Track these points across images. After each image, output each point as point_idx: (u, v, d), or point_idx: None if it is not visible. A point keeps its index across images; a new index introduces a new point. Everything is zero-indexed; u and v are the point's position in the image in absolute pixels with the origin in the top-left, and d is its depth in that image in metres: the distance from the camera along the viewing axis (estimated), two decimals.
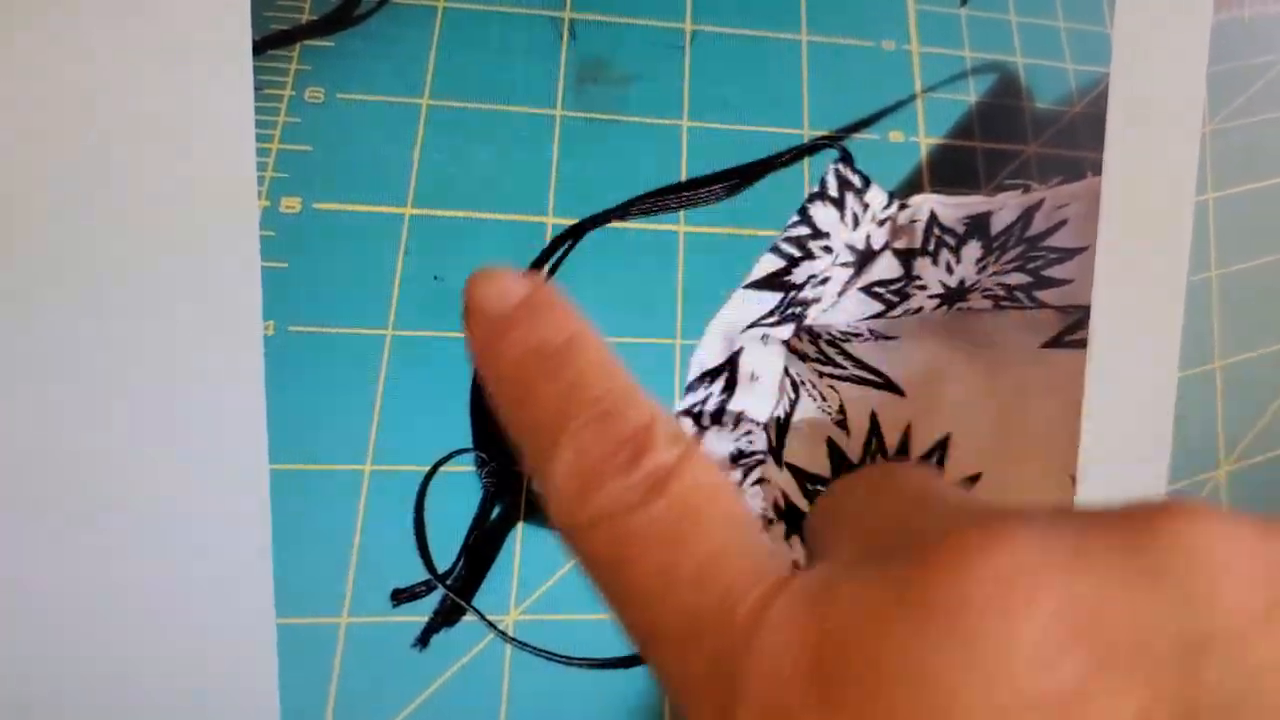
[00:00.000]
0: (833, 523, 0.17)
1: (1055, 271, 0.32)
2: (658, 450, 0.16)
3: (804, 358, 0.32)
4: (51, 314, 0.25)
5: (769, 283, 0.31)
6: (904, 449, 0.32)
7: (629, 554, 0.16)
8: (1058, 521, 0.13)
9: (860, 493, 0.18)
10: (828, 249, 0.31)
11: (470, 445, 0.28)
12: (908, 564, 0.13)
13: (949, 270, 0.33)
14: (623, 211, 0.30)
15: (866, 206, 0.32)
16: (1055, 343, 0.33)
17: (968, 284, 0.33)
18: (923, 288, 0.33)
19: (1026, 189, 0.33)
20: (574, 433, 0.17)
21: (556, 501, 0.17)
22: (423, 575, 0.28)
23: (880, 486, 0.17)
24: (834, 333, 0.33)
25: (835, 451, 0.32)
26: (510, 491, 0.28)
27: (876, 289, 0.33)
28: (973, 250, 0.32)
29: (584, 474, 0.16)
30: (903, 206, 0.32)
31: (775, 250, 0.31)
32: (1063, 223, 0.32)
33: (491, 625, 0.28)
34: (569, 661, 0.28)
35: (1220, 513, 0.12)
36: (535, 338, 0.19)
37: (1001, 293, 0.33)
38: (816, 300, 0.32)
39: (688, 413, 0.30)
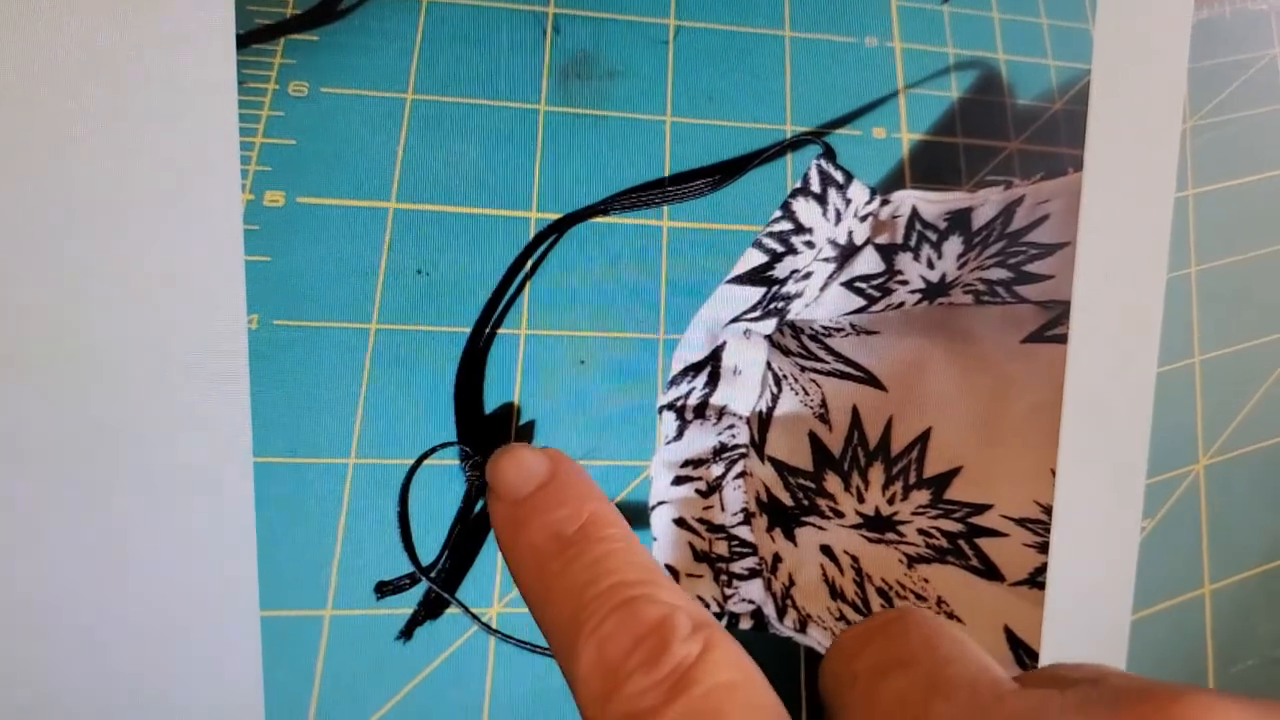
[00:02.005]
0: (847, 692, 0.17)
1: (1036, 267, 0.33)
2: (679, 643, 0.16)
3: (786, 352, 0.33)
4: (34, 308, 0.25)
5: (752, 278, 0.31)
6: (885, 442, 0.33)
7: None
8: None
9: (871, 658, 0.17)
10: (810, 244, 0.31)
11: (454, 439, 0.28)
12: None
13: (930, 265, 0.33)
14: (607, 206, 0.30)
15: (849, 202, 0.32)
16: (1036, 337, 0.33)
17: (949, 279, 0.33)
18: (904, 283, 0.33)
19: (1008, 185, 0.33)
20: (595, 627, 0.17)
21: (582, 697, 0.17)
22: (407, 568, 0.28)
23: (891, 654, 0.17)
24: (816, 327, 0.33)
25: (817, 445, 0.32)
26: None
27: (858, 284, 0.33)
28: (954, 246, 0.33)
29: (607, 671, 0.17)
30: (885, 202, 0.32)
31: (758, 245, 0.31)
32: (1044, 218, 0.32)
33: (475, 618, 0.28)
34: (551, 653, 0.28)
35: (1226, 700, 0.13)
36: (554, 523, 0.19)
37: (982, 288, 0.33)
38: (799, 295, 0.32)
39: (671, 406, 0.30)
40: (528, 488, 0.21)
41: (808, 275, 0.32)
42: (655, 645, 0.17)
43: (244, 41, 0.28)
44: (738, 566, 0.30)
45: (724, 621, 0.30)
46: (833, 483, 0.32)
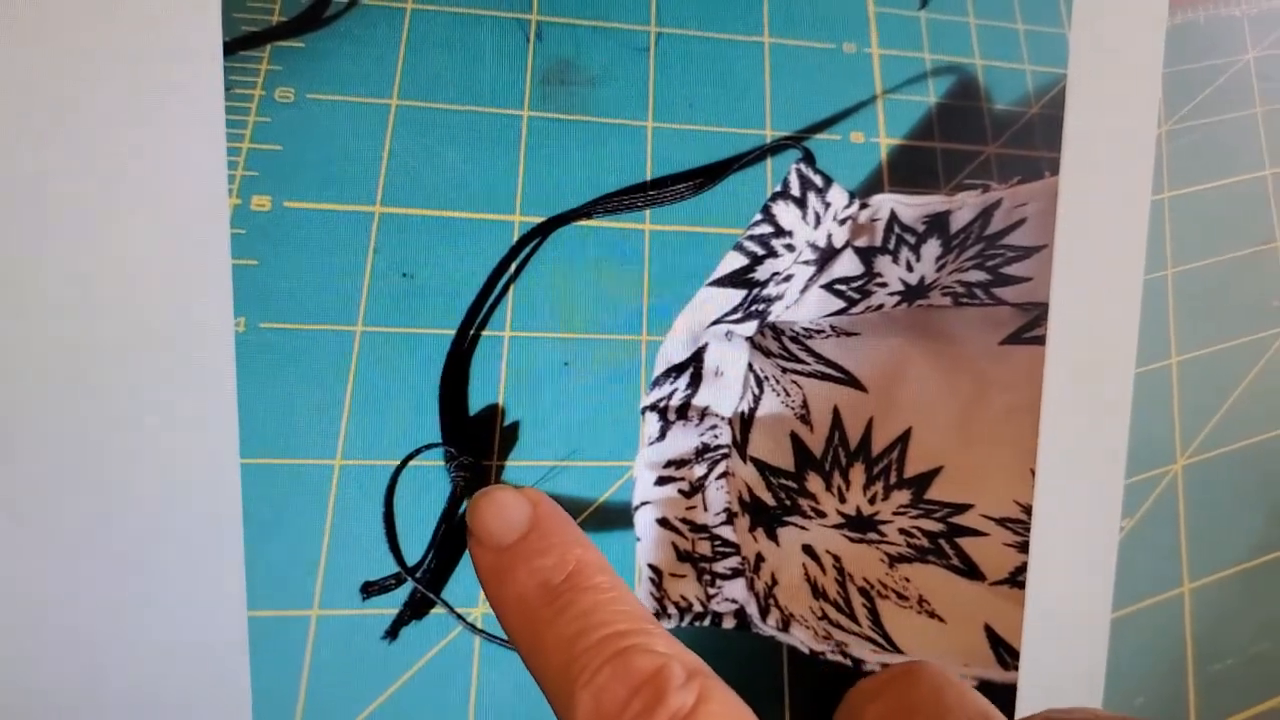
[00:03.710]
0: None
1: (1014, 269, 0.33)
2: (674, 693, 0.17)
3: (768, 353, 0.33)
4: (21, 311, 0.25)
5: (733, 280, 0.31)
6: (866, 443, 0.33)
7: None
8: None
9: (882, 706, 0.18)
10: (790, 247, 0.32)
11: (439, 440, 0.29)
12: None
13: (909, 268, 0.33)
14: (590, 210, 0.30)
15: (828, 205, 0.32)
16: (1014, 339, 0.33)
17: (928, 281, 0.33)
18: (883, 285, 0.33)
19: (985, 188, 0.33)
20: (590, 679, 0.17)
21: None
22: (392, 568, 0.28)
23: (900, 702, 0.18)
24: (797, 329, 0.33)
25: (798, 445, 0.33)
26: (478, 485, 0.29)
27: (838, 286, 0.33)
28: (932, 248, 0.33)
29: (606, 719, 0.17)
30: (863, 205, 0.33)
31: (739, 248, 0.31)
32: (1021, 221, 0.33)
33: (460, 618, 0.28)
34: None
35: None
36: (541, 571, 0.20)
37: (961, 290, 0.33)
38: (780, 297, 0.32)
39: (653, 407, 0.30)
40: (511, 536, 0.20)
41: (788, 278, 0.32)
42: (651, 696, 0.17)
43: (231, 48, 0.28)
44: (721, 566, 0.31)
45: (707, 621, 0.30)
46: (814, 483, 0.32)
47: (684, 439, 0.31)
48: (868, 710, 0.18)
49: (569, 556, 0.20)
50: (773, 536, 0.31)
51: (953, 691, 0.17)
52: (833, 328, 0.34)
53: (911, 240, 0.33)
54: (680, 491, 0.31)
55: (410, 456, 0.28)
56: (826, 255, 0.32)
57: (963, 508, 0.33)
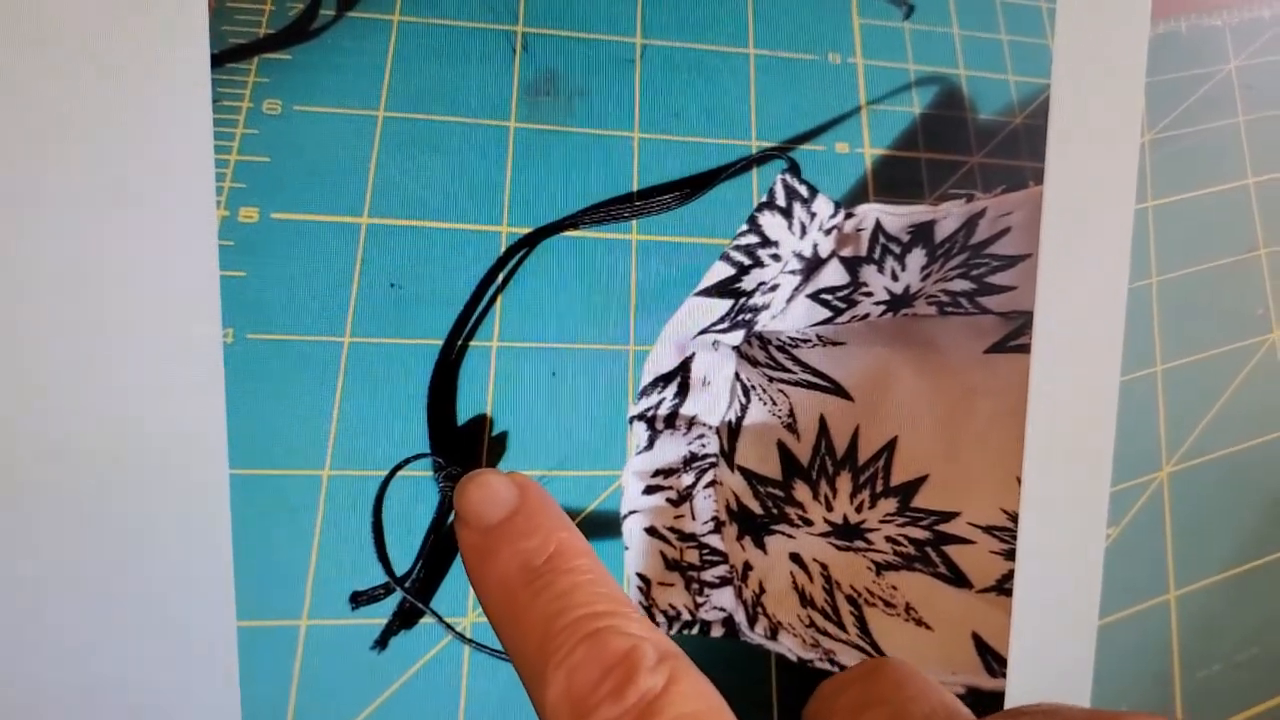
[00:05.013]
0: None
1: (998, 278, 0.33)
2: (645, 674, 0.17)
3: (754, 363, 0.33)
4: (8, 323, 0.25)
5: (719, 290, 0.31)
6: (852, 451, 0.33)
7: None
8: None
9: (848, 700, 0.18)
10: (776, 257, 0.32)
11: (427, 450, 0.29)
12: None
13: (894, 277, 0.33)
14: (577, 220, 0.31)
15: (814, 215, 0.32)
16: (999, 348, 0.34)
17: (913, 291, 0.33)
18: (869, 294, 0.33)
19: (970, 198, 0.33)
20: (564, 658, 0.17)
21: None
22: (381, 578, 0.28)
23: (865, 695, 0.18)
24: (783, 338, 0.33)
25: (786, 454, 0.33)
26: None
27: (824, 296, 0.33)
28: (917, 258, 0.33)
29: (575, 701, 0.17)
30: (849, 215, 0.33)
31: (725, 258, 0.31)
32: (1005, 231, 0.33)
33: (449, 627, 0.28)
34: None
35: None
36: (524, 553, 0.20)
37: (946, 299, 0.33)
38: (766, 307, 0.32)
39: (641, 417, 0.31)
40: (496, 516, 0.21)
41: (774, 287, 0.32)
42: (622, 676, 0.17)
43: (218, 60, 0.28)
44: (709, 575, 0.31)
45: (695, 629, 0.30)
46: (801, 491, 0.32)
47: (672, 448, 0.31)
48: (838, 701, 0.18)
49: (551, 539, 0.20)
50: (760, 545, 0.32)
51: (916, 684, 0.18)
52: (819, 337, 0.34)
53: (896, 250, 0.33)
54: (668, 500, 0.31)
55: (399, 467, 0.28)
56: (812, 265, 0.33)
57: (949, 515, 0.33)
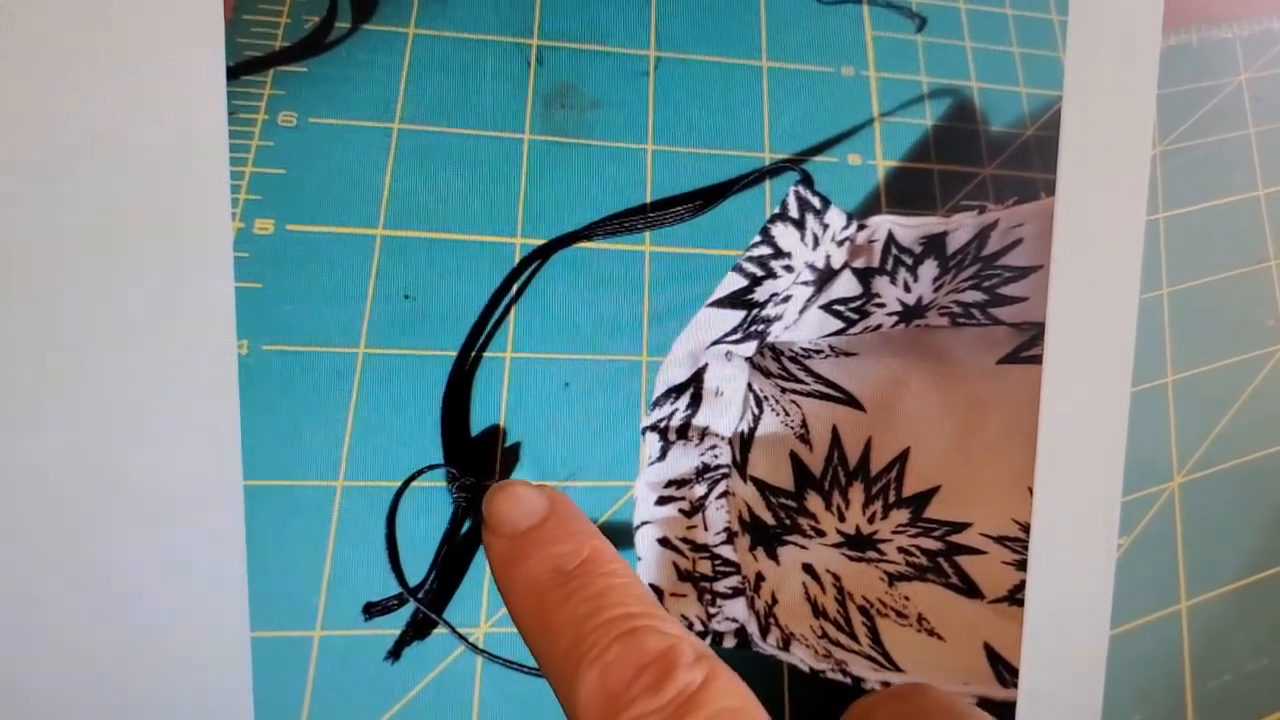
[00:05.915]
0: None
1: (1010, 289, 0.33)
2: (683, 671, 0.17)
3: (767, 374, 0.33)
4: (22, 337, 0.25)
5: (732, 301, 0.31)
6: (865, 462, 0.33)
7: None
8: None
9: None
10: (789, 268, 0.32)
11: (441, 461, 0.29)
12: None
13: (906, 289, 0.33)
14: (590, 232, 0.31)
15: (826, 227, 0.32)
16: (1011, 358, 0.34)
17: (925, 302, 0.33)
18: (881, 305, 0.33)
19: (982, 210, 0.33)
20: (598, 655, 0.17)
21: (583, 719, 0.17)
22: (394, 589, 0.28)
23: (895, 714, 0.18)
24: (796, 349, 0.34)
25: (798, 465, 0.33)
26: (480, 506, 0.29)
27: (836, 307, 0.33)
28: (929, 269, 0.33)
29: (610, 697, 0.17)
30: (861, 227, 0.33)
31: (738, 269, 0.31)
32: (1017, 242, 0.33)
33: (462, 638, 0.28)
34: (538, 673, 0.28)
35: None
36: (556, 557, 0.20)
37: (958, 310, 0.33)
38: (779, 318, 0.32)
39: (654, 428, 0.31)
40: (526, 523, 0.21)
41: (787, 298, 0.32)
42: (659, 672, 0.17)
43: (234, 73, 0.28)
44: (721, 585, 0.31)
45: (708, 640, 0.30)
46: (814, 502, 0.32)
47: (684, 459, 0.31)
48: (877, 713, 0.18)
49: (585, 545, 0.20)
50: (773, 556, 0.32)
51: (959, 706, 0.18)
52: (831, 348, 0.34)
53: (909, 261, 0.33)
54: (681, 511, 0.31)
55: (412, 477, 0.28)
56: (825, 276, 0.33)
57: (961, 526, 0.33)
